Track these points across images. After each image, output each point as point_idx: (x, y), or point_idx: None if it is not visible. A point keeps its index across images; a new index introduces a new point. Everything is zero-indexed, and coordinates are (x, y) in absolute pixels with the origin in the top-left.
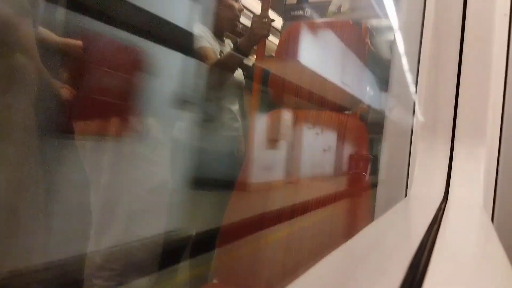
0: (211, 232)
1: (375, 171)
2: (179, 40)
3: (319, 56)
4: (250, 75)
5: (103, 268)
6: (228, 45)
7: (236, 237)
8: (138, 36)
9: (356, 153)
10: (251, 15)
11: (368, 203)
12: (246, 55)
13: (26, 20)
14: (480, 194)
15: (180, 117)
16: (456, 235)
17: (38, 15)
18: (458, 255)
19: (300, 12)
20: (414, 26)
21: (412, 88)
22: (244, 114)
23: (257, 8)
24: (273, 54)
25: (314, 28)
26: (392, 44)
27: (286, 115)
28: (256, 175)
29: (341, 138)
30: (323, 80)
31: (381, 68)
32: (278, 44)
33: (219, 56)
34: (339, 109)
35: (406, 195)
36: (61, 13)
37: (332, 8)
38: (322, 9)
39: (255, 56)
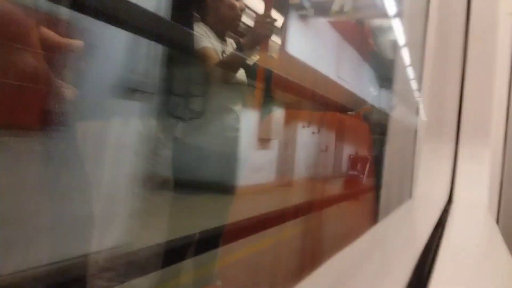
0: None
1: (379, 172)
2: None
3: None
4: (252, 75)
5: None
6: (231, 44)
7: (238, 239)
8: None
9: (359, 154)
10: (254, 15)
11: (373, 204)
12: (249, 55)
13: (30, 18)
14: (485, 196)
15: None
16: (461, 236)
17: (40, 12)
18: (463, 256)
19: (303, 12)
20: (417, 27)
21: (416, 89)
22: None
23: (260, 7)
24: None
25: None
26: (396, 45)
27: (278, 113)
28: (254, 176)
29: (343, 139)
30: (325, 79)
31: (384, 68)
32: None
33: (221, 56)
34: (342, 109)
35: (410, 197)
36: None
37: (335, 7)
38: (325, 9)
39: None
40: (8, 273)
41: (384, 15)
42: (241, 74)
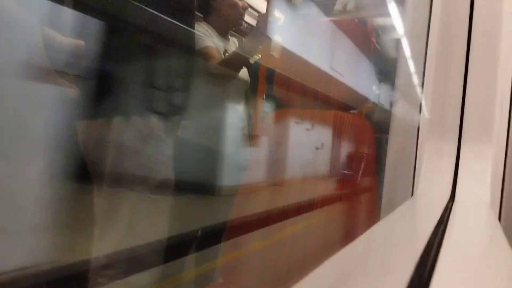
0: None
1: (380, 170)
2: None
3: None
4: (254, 74)
5: None
6: (233, 43)
7: (240, 236)
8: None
9: (356, 152)
10: (257, 14)
11: (374, 202)
12: (252, 54)
13: (35, 19)
14: (487, 193)
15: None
16: (463, 234)
17: (44, 13)
18: (465, 254)
19: (306, 11)
20: (420, 25)
21: (418, 87)
22: (249, 113)
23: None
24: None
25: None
26: (398, 43)
27: (264, 107)
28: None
29: (346, 137)
30: (328, 77)
31: (387, 67)
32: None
33: (223, 55)
34: (344, 108)
35: (412, 195)
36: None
37: (338, 6)
38: (328, 8)
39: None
40: None
41: (387, 13)
42: (243, 72)
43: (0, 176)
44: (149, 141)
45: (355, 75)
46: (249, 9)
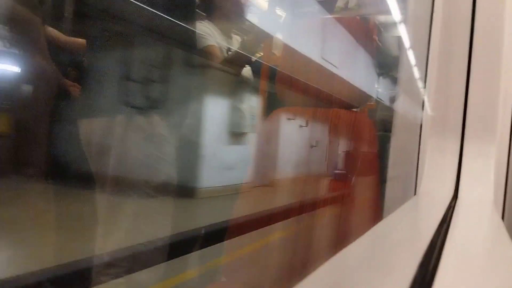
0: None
1: (379, 170)
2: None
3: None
4: (256, 72)
5: None
6: (236, 41)
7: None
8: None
9: (353, 151)
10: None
11: (377, 201)
12: (253, 52)
13: (37, 18)
14: (491, 192)
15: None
16: (466, 233)
17: (46, 12)
18: (469, 253)
19: (307, 8)
20: (422, 22)
21: (421, 85)
22: (253, 112)
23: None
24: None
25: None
26: (401, 40)
27: (253, 103)
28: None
29: (348, 136)
30: (331, 75)
31: (389, 64)
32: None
33: (225, 54)
34: (346, 106)
35: (415, 193)
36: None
37: (339, 4)
38: (329, 5)
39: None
40: None
41: (389, 11)
42: (246, 71)
43: None
44: (124, 138)
45: (357, 73)
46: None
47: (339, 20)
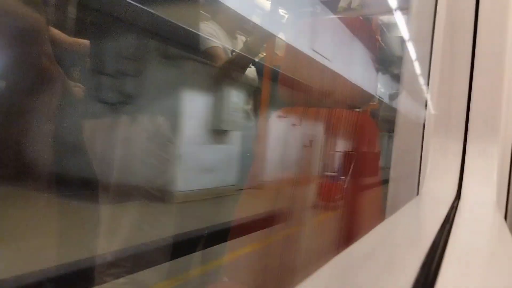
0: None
1: (385, 170)
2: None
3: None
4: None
5: None
6: (241, 42)
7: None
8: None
9: (347, 151)
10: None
11: (379, 202)
12: (256, 53)
13: (42, 19)
14: (493, 192)
15: None
16: (469, 234)
17: (50, 13)
18: (471, 254)
19: (310, 8)
20: (425, 20)
21: (424, 84)
22: (237, 108)
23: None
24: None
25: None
26: (403, 41)
27: (237, 98)
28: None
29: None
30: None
31: (392, 64)
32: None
33: (230, 55)
34: (349, 106)
35: (417, 193)
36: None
37: (342, 4)
38: (332, 5)
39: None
40: None
41: (392, 11)
42: (251, 72)
43: None
44: (93, 136)
45: (353, 68)
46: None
47: (342, 20)
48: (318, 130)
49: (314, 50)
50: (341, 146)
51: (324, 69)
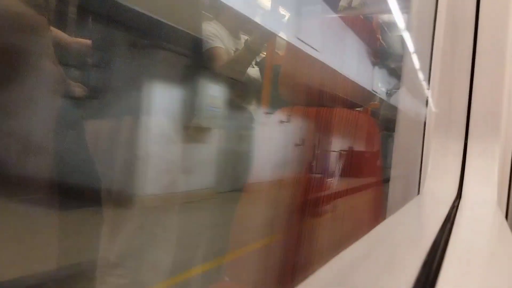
0: None
1: (385, 169)
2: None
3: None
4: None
5: None
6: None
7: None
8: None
9: (339, 150)
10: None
11: (380, 201)
12: (257, 53)
13: (43, 19)
14: (494, 191)
15: None
16: (470, 233)
17: (51, 13)
18: (472, 253)
19: (310, 7)
20: (426, 20)
21: (424, 83)
22: (216, 103)
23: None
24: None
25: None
26: (404, 40)
27: (215, 90)
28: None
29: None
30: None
31: (393, 63)
32: None
33: (231, 55)
34: (350, 105)
35: (418, 193)
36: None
37: (343, 3)
38: (332, 4)
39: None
40: None
41: (393, 9)
42: (254, 71)
43: None
44: (57, 133)
45: (346, 60)
46: None
47: (344, 20)
48: (319, 130)
49: (298, 38)
50: (343, 145)
51: (324, 67)
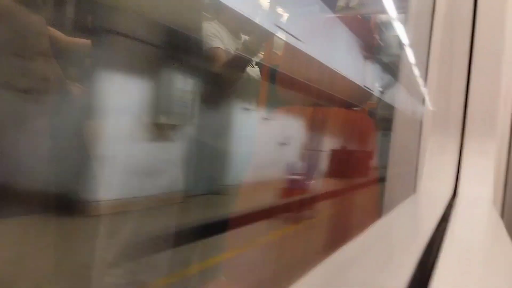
0: None
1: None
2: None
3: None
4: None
5: None
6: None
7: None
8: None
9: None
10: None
11: (376, 200)
12: (255, 53)
13: (40, 19)
14: (490, 190)
15: None
16: (465, 231)
17: (49, 13)
18: (467, 251)
19: (308, 8)
20: (424, 20)
21: (421, 83)
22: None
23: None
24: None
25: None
26: (402, 39)
27: (183, 84)
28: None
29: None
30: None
31: (390, 63)
32: None
33: (231, 55)
34: (347, 105)
35: (415, 191)
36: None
37: (341, 3)
38: (331, 4)
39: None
40: None
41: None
42: (254, 71)
43: None
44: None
45: (333, 52)
46: None
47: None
48: (315, 129)
49: (277, 25)
50: (340, 144)
51: (322, 67)
